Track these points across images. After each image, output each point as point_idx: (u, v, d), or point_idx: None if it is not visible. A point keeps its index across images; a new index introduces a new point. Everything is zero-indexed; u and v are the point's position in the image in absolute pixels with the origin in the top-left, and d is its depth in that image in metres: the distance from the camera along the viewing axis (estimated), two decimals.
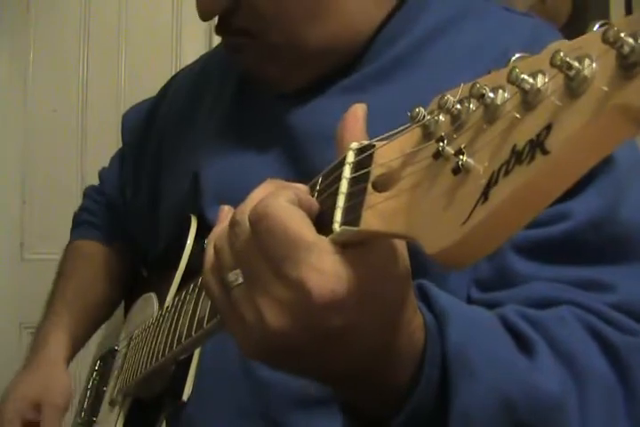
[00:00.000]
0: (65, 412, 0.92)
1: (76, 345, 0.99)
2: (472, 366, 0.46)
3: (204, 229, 0.80)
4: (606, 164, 0.60)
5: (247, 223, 0.40)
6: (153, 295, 0.90)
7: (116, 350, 0.94)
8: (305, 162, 0.70)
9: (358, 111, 0.44)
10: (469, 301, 0.61)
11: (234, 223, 0.41)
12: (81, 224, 1.09)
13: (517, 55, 0.32)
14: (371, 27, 0.72)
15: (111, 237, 1.06)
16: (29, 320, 1.95)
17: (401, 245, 0.40)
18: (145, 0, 2.03)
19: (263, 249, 0.39)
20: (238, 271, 0.41)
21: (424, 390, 0.44)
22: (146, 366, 0.74)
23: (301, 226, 0.38)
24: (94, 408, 0.94)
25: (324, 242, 0.38)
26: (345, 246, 0.38)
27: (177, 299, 0.68)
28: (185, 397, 0.72)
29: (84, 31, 2.03)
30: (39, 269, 1.95)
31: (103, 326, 1.06)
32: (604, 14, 1.69)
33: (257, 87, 0.80)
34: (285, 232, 0.38)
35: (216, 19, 0.71)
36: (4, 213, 2.04)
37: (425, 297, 0.49)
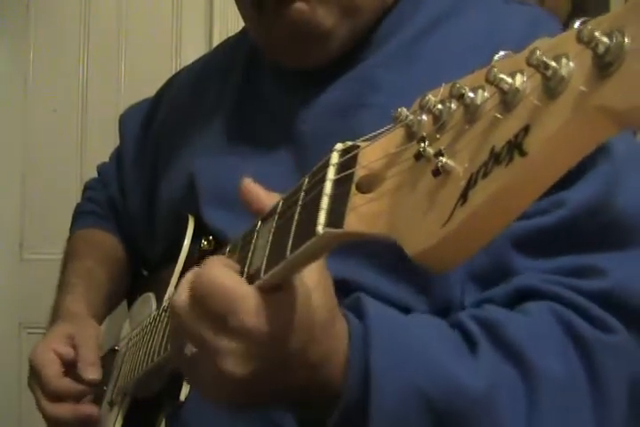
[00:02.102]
0: (99, 344, 0.85)
1: (93, 313, 0.93)
2: (390, 360, 0.50)
3: (202, 229, 0.80)
4: (602, 153, 0.60)
5: (182, 301, 0.46)
6: (151, 295, 0.90)
7: (116, 350, 0.94)
8: (311, 163, 0.70)
9: (248, 186, 0.49)
10: (463, 301, 0.61)
11: (172, 307, 0.47)
12: (88, 213, 1.06)
13: (502, 53, 0.31)
14: (384, 6, 0.73)
15: (117, 230, 1.05)
16: (29, 320, 1.96)
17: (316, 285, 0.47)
18: (145, 0, 2.03)
19: (204, 314, 0.45)
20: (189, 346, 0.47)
21: (350, 382, 0.50)
22: (143, 365, 0.74)
23: (230, 280, 0.44)
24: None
25: (248, 289, 0.44)
26: (266, 291, 0.44)
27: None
28: (182, 397, 0.72)
29: (84, 31, 2.03)
30: (39, 270, 1.95)
31: (104, 327, 1.05)
32: (603, 14, 1.68)
33: (267, 68, 0.78)
34: (218, 291, 0.44)
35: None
36: (3, 213, 2.04)
37: (357, 306, 0.54)
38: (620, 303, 0.57)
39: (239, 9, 0.77)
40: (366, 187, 0.37)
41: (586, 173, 0.59)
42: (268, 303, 0.44)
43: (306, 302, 0.46)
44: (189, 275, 0.48)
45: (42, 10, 2.04)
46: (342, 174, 0.38)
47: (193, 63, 0.99)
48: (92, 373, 0.80)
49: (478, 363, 0.52)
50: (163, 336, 0.68)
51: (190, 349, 0.47)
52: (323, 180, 0.40)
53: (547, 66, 0.24)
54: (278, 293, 0.44)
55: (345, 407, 0.49)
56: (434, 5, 0.73)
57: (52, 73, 2.03)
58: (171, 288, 0.82)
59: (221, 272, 0.45)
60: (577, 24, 0.25)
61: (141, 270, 1.04)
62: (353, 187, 0.37)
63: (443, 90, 0.32)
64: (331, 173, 0.39)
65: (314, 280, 0.47)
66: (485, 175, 0.26)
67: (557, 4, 1.72)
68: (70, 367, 0.82)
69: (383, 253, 0.59)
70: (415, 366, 0.51)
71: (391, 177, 0.34)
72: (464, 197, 0.27)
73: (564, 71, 0.23)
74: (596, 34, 0.22)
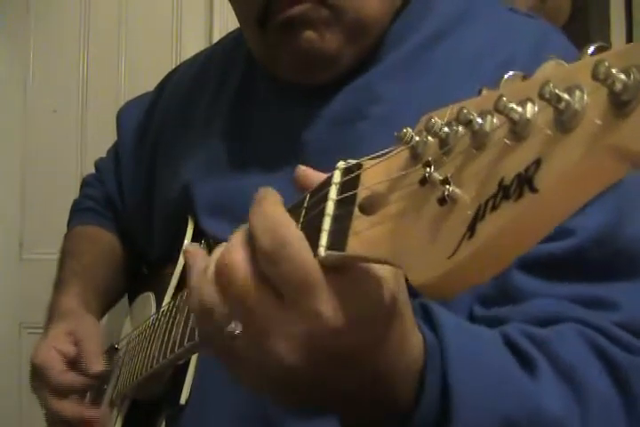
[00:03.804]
0: (100, 338, 0.84)
1: (90, 311, 0.90)
2: (472, 384, 0.46)
3: (201, 231, 0.79)
4: None
5: (244, 264, 0.39)
6: (151, 295, 0.89)
7: (117, 349, 0.93)
8: None
9: (304, 172, 0.45)
10: (472, 317, 0.60)
11: (223, 269, 0.40)
12: (85, 210, 1.05)
13: (510, 73, 0.30)
14: (389, 17, 0.72)
15: (114, 228, 1.04)
16: (29, 320, 1.95)
17: (384, 273, 0.40)
18: (145, 0, 2.02)
19: (274, 282, 0.38)
20: (236, 322, 0.40)
21: (425, 406, 0.44)
22: (142, 370, 0.74)
23: (311, 256, 0.38)
24: (95, 407, 0.93)
25: (322, 274, 0.38)
26: (335, 272, 0.38)
27: (172, 304, 0.69)
28: (183, 400, 0.72)
29: (84, 31, 2.02)
30: (38, 270, 1.94)
31: (104, 323, 1.05)
32: (603, 14, 1.68)
33: (268, 84, 0.77)
34: (303, 263, 0.37)
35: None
36: (3, 213, 2.04)
37: (427, 316, 0.49)
38: (634, 337, 0.56)
39: (238, 19, 0.76)
40: (369, 208, 0.36)
41: (596, 199, 0.58)
42: (343, 296, 0.38)
43: (386, 299, 0.39)
44: (252, 227, 0.40)
45: (42, 10, 2.03)
46: (345, 195, 0.37)
47: (193, 58, 0.97)
48: (96, 365, 0.80)
49: (545, 385, 0.50)
50: (162, 343, 0.67)
51: (233, 325, 0.40)
52: (325, 199, 0.39)
53: (559, 99, 0.23)
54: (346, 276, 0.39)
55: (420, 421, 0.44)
56: (439, 16, 0.72)
57: (51, 73, 2.03)
58: (170, 291, 0.82)
59: (302, 245, 0.38)
60: (591, 49, 0.24)
61: (142, 267, 1.03)
62: (356, 209, 0.36)
63: (449, 112, 0.31)
64: (333, 193, 0.38)
65: (396, 283, 0.40)
66: (494, 209, 0.25)
67: (558, 4, 1.71)
68: (73, 364, 0.81)
69: None
70: (496, 389, 0.47)
71: (395, 201, 0.33)
72: (471, 229, 0.26)
73: (577, 105, 0.22)
74: (613, 71, 0.21)
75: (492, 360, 0.49)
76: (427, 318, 0.49)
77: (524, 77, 0.28)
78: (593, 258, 0.58)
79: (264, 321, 0.39)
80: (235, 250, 0.40)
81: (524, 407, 0.48)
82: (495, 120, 0.27)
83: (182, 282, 0.80)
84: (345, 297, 0.38)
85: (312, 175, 0.44)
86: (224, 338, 0.40)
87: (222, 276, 0.40)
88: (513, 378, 0.49)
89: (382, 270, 0.39)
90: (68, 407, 0.79)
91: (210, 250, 0.79)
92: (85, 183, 1.09)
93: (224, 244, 0.43)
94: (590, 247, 0.58)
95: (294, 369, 0.39)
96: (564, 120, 0.23)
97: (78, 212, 1.06)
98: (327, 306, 0.37)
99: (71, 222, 1.06)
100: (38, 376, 0.82)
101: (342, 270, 0.38)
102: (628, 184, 0.59)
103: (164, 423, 0.75)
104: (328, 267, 0.37)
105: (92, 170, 1.12)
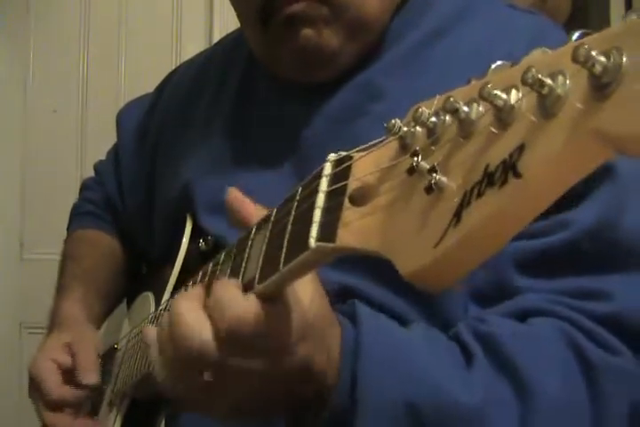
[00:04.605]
0: (97, 348, 0.85)
1: (92, 317, 0.92)
2: (378, 373, 0.50)
3: (200, 230, 0.79)
4: (607, 173, 0.59)
5: (207, 341, 0.44)
6: (150, 295, 0.89)
7: (116, 349, 0.93)
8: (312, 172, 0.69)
9: (236, 195, 0.50)
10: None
11: (196, 350, 0.45)
12: (85, 214, 1.05)
13: (499, 62, 0.30)
14: (390, 14, 0.72)
15: (114, 231, 1.04)
16: (29, 320, 1.95)
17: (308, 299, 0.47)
18: (145, 0, 2.02)
19: (235, 346, 0.44)
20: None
21: (337, 393, 0.50)
22: (141, 369, 0.74)
23: (251, 309, 0.43)
24: (95, 406, 0.93)
25: (257, 308, 0.43)
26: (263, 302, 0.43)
27: (169, 303, 0.68)
28: None
29: (84, 31, 2.02)
30: (39, 269, 1.94)
31: (104, 323, 1.05)
32: (604, 14, 1.68)
33: (268, 82, 0.77)
34: (246, 322, 0.43)
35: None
36: (3, 213, 2.04)
37: (352, 316, 0.53)
38: (626, 327, 0.56)
39: (239, 19, 0.76)
40: (359, 199, 0.36)
41: (591, 193, 0.59)
42: (269, 319, 0.43)
43: (302, 316, 0.46)
44: (199, 315, 0.46)
45: (42, 10, 2.03)
46: (335, 186, 0.38)
47: (193, 58, 0.97)
48: (89, 378, 0.80)
49: (472, 377, 0.52)
50: None
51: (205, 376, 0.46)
52: (315, 191, 0.39)
53: (542, 84, 0.23)
54: (275, 306, 0.44)
55: (332, 416, 0.50)
56: (439, 13, 0.72)
57: (52, 73, 2.03)
58: (168, 290, 0.82)
59: (241, 304, 0.44)
60: (575, 35, 0.24)
61: (141, 269, 1.03)
62: (346, 200, 0.36)
63: (437, 102, 0.31)
64: (323, 185, 0.39)
65: (308, 294, 0.47)
66: (479, 196, 0.25)
67: (558, 3, 1.70)
68: (69, 375, 0.81)
69: (385, 265, 0.58)
70: (404, 379, 0.50)
71: (385, 192, 0.33)
72: (457, 217, 0.26)
73: (560, 90, 0.22)
74: (593, 53, 0.21)
75: (406, 352, 0.52)
76: (350, 314, 0.53)
77: (512, 66, 0.28)
78: (588, 250, 0.58)
79: (236, 369, 0.45)
80: (197, 335, 0.45)
81: (433, 398, 0.50)
82: (481, 108, 0.27)
83: (180, 281, 0.80)
84: (275, 327, 0.44)
85: (246, 205, 0.50)
86: (197, 386, 0.47)
87: (193, 355, 0.46)
88: (428, 370, 0.51)
89: (303, 301, 0.46)
90: (61, 421, 0.80)
91: (208, 249, 0.80)
92: (85, 186, 1.09)
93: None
94: (586, 240, 0.58)
95: (252, 392, 0.47)
96: (547, 105, 0.23)
97: (78, 216, 1.06)
98: (276, 341, 0.44)
99: (71, 226, 1.06)
100: (34, 387, 0.82)
101: (272, 301, 0.43)
102: (624, 176, 0.59)
103: (163, 422, 0.75)
104: (262, 300, 0.43)
105: (92, 170, 1.12)
